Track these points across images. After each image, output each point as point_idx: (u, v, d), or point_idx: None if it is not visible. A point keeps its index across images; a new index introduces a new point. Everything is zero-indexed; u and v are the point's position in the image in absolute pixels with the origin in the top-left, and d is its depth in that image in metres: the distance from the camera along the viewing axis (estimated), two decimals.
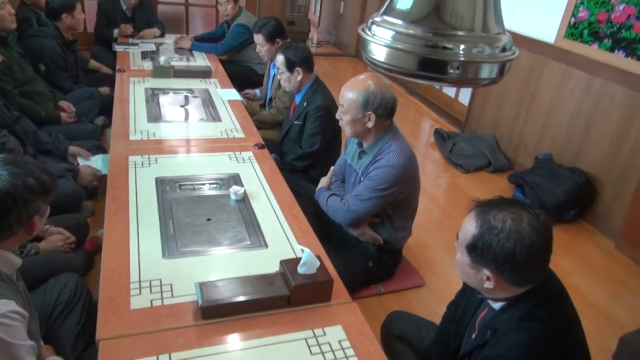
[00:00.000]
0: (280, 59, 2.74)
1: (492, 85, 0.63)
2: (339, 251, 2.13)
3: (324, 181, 2.28)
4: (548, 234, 1.13)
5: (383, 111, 1.90)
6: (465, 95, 4.57)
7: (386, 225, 2.09)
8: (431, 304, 2.28)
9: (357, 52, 6.38)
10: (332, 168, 2.30)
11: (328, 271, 1.57)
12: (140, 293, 1.51)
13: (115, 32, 4.27)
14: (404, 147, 1.95)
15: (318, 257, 1.59)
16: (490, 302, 1.28)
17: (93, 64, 4.02)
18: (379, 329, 1.83)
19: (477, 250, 1.14)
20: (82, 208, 2.48)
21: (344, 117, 1.98)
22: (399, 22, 0.60)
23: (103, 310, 1.44)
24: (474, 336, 1.32)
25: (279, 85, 3.08)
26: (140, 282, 1.56)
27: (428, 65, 0.59)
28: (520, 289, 1.18)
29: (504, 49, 0.63)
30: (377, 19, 0.64)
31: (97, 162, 2.69)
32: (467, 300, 1.44)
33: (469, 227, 1.16)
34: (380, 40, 0.61)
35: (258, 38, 3.32)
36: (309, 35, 6.88)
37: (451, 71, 0.59)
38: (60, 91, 3.28)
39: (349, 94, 1.93)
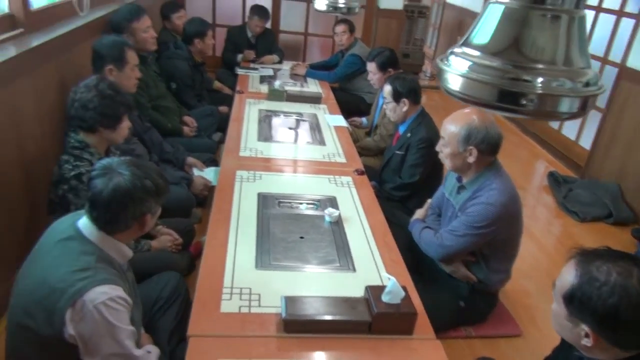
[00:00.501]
0: (387, 89, 2.77)
1: (573, 120, 0.60)
2: (429, 286, 2.07)
3: (419, 213, 2.24)
4: None
5: (486, 147, 1.84)
6: (587, 138, 4.24)
7: (482, 265, 1.99)
8: (526, 357, 2.10)
9: None
10: (429, 200, 2.25)
11: (413, 303, 1.54)
12: (230, 298, 1.60)
13: (239, 57, 4.62)
14: (507, 185, 1.86)
15: (404, 288, 1.57)
16: None
17: (216, 84, 4.38)
18: None
19: (575, 301, 1.05)
20: (191, 214, 2.68)
21: (444, 150, 1.95)
22: (477, 53, 0.60)
23: (197, 309, 1.54)
24: None
25: (386, 114, 3.11)
26: (232, 288, 1.64)
27: (503, 96, 0.57)
28: (626, 352, 1.06)
29: (587, 84, 0.60)
30: (456, 49, 0.65)
31: (209, 173, 2.91)
32: (564, 357, 1.31)
33: (568, 275, 1.08)
34: (456, 70, 0.61)
35: (371, 66, 3.40)
36: (422, 67, 6.88)
37: (524, 102, 0.57)
38: (186, 107, 3.61)
39: (451, 127, 1.90)
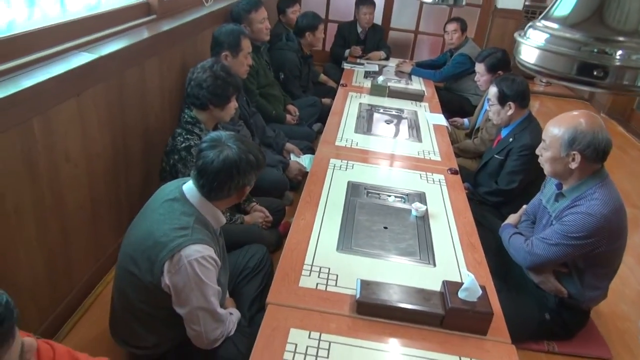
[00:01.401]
0: (493, 90, 2.68)
1: None
2: (514, 294, 2.00)
3: (512, 218, 2.16)
4: None
5: (592, 153, 1.72)
6: None
7: (574, 279, 1.87)
8: None
9: (591, 95, 5.77)
10: (524, 206, 2.16)
11: (490, 304, 1.51)
12: (309, 275, 1.68)
13: (347, 52, 4.72)
14: (612, 196, 1.73)
15: (482, 287, 1.54)
16: None
17: (322, 77, 4.52)
18: None
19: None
20: (284, 196, 2.82)
21: (544, 154, 1.85)
22: (556, 26, 0.59)
23: (277, 280, 1.64)
24: None
25: (489, 117, 3.01)
26: (312, 265, 1.72)
27: (578, 68, 0.56)
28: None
29: None
30: (536, 23, 0.64)
31: (305, 160, 3.04)
32: None
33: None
34: (533, 42, 0.61)
35: (479, 67, 3.30)
36: None
37: (599, 75, 0.55)
38: (291, 97, 3.78)
39: (554, 130, 1.80)
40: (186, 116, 2.07)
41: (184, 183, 1.54)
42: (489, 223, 2.36)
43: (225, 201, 1.54)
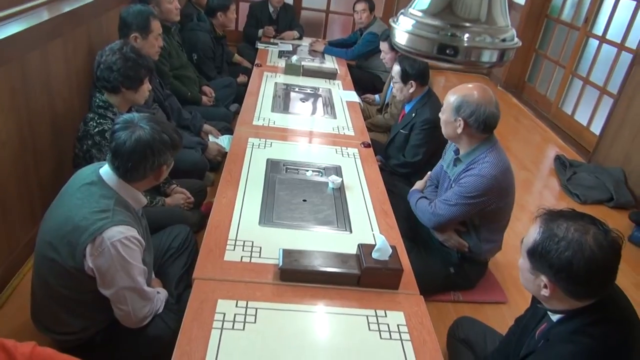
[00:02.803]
0: (396, 69, 2.84)
1: (496, 67, 0.74)
2: (423, 253, 2.21)
3: (418, 184, 2.36)
4: (614, 251, 1.12)
5: (474, 122, 1.93)
6: (598, 124, 4.27)
7: (472, 234, 2.11)
8: (509, 322, 2.22)
9: (489, 71, 6.24)
10: (428, 173, 2.37)
11: (400, 261, 1.67)
12: (234, 249, 1.75)
13: (260, 32, 4.73)
14: (500, 159, 1.96)
15: (393, 247, 1.70)
16: (549, 314, 1.28)
17: (237, 58, 4.51)
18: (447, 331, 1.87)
19: (536, 255, 1.17)
20: (205, 177, 2.85)
21: (441, 117, 2.06)
22: (420, 14, 0.73)
23: (202, 256, 1.70)
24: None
25: None
26: (236, 240, 1.80)
27: (438, 48, 0.70)
28: (579, 302, 1.18)
29: (504, 40, 0.72)
30: (404, 11, 0.77)
31: (223, 140, 3.07)
32: (532, 313, 1.44)
33: (533, 232, 1.20)
34: (403, 27, 0.74)
35: (383, 46, 3.49)
36: None
37: (452, 53, 0.69)
38: (206, 78, 3.76)
39: (450, 96, 2.01)
40: (98, 100, 2.03)
41: (101, 167, 1.54)
42: (400, 191, 2.55)
43: (144, 182, 1.55)
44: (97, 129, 1.95)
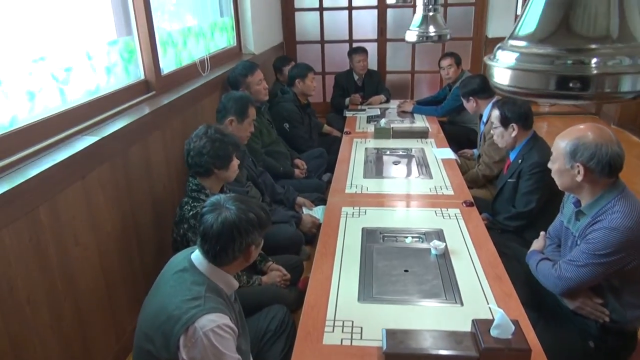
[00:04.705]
0: (495, 114, 2.67)
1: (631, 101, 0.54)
2: (552, 324, 1.89)
3: (536, 244, 2.07)
4: None
5: (596, 165, 1.66)
6: None
7: (611, 299, 1.76)
8: None
9: (598, 109, 5.72)
10: (544, 232, 2.09)
11: (526, 339, 1.42)
12: (333, 331, 1.61)
13: (347, 100, 4.79)
14: (633, 208, 1.65)
15: (515, 322, 1.46)
16: None
17: (326, 128, 4.56)
18: None
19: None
20: (301, 251, 2.78)
21: (552, 167, 1.82)
22: (524, 43, 0.57)
23: (299, 340, 1.58)
24: None
25: (486, 140, 3.01)
26: (334, 320, 1.66)
27: (554, 82, 0.53)
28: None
29: None
30: (502, 44, 0.62)
31: (318, 212, 3.01)
32: None
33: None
34: (503, 63, 0.59)
35: (464, 102, 3.43)
36: None
37: (577, 86, 0.52)
38: (298, 149, 3.81)
39: (559, 142, 1.77)
40: (191, 184, 2.08)
41: (192, 252, 1.52)
42: (514, 252, 2.27)
43: (234, 265, 1.50)
44: (191, 212, 1.97)
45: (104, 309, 1.99)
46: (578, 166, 1.71)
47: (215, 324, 1.36)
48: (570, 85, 0.53)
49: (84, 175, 1.82)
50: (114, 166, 2.04)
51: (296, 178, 3.49)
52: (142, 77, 2.61)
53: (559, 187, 1.86)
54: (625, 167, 1.75)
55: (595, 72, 0.53)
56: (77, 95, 2.07)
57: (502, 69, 0.61)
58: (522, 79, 0.58)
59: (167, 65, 2.87)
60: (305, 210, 3.03)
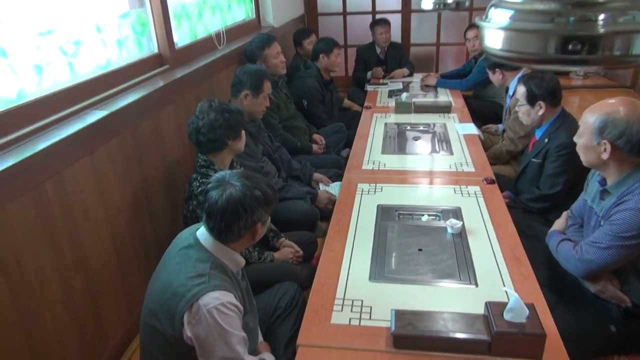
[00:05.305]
0: (521, 90, 2.53)
1: None
2: (572, 307, 1.81)
3: (558, 223, 1.98)
4: None
5: (625, 144, 1.55)
6: None
7: (634, 284, 1.67)
8: None
9: (633, 82, 5.42)
10: (567, 211, 1.98)
11: (541, 324, 1.35)
12: (342, 310, 1.58)
13: (369, 74, 4.66)
14: None
15: (531, 306, 1.39)
16: None
17: (346, 102, 4.47)
18: None
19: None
20: (316, 228, 2.74)
21: (578, 141, 1.72)
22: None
23: (307, 319, 1.55)
24: None
25: (511, 115, 2.88)
26: (344, 299, 1.62)
27: (558, 46, 0.44)
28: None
29: None
30: (496, 0, 0.53)
31: (334, 188, 2.96)
32: None
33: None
34: (496, 23, 0.50)
35: (489, 71, 3.25)
36: None
37: (578, 49, 0.43)
38: (316, 125, 3.74)
39: (588, 116, 1.66)
40: (200, 160, 2.05)
41: (198, 228, 1.49)
42: (536, 232, 2.18)
43: (240, 242, 1.47)
44: (200, 189, 1.94)
45: (116, 284, 2.01)
46: (605, 143, 1.60)
47: (219, 301, 1.34)
48: (572, 47, 0.44)
49: (92, 150, 1.81)
50: (124, 141, 2.02)
51: (314, 153, 3.43)
52: (156, 50, 2.57)
53: (583, 163, 1.76)
54: None
55: (602, 31, 0.44)
56: (88, 69, 2.04)
57: (494, 30, 0.52)
58: (517, 41, 0.49)
59: (182, 38, 2.83)
60: (321, 187, 2.98)
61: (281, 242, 2.29)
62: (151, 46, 2.55)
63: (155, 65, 2.54)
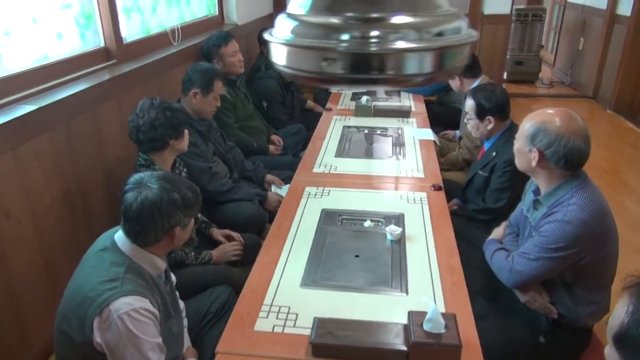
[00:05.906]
0: (469, 103, 2.51)
1: (430, 83, 0.42)
2: (502, 316, 1.82)
3: (496, 232, 1.99)
4: None
5: (552, 155, 1.56)
6: None
7: (563, 295, 1.68)
8: None
9: (595, 92, 5.53)
10: (506, 221, 1.99)
11: (458, 334, 1.34)
12: (267, 317, 1.54)
13: None
14: (590, 200, 1.55)
15: (452, 316, 1.38)
16: None
17: (309, 104, 4.44)
18: None
19: (626, 344, 0.81)
20: (263, 230, 2.70)
21: (515, 144, 1.73)
22: (306, 9, 0.45)
23: (230, 326, 1.51)
24: None
25: None
26: (271, 306, 1.58)
27: (328, 64, 0.41)
28: None
29: (439, 34, 0.41)
30: (286, 10, 0.50)
31: (285, 190, 2.92)
32: None
33: (620, 312, 0.84)
34: (278, 37, 0.47)
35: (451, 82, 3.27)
36: (538, 75, 6.29)
37: (354, 69, 0.41)
38: (275, 126, 3.70)
39: (526, 122, 1.67)
40: (140, 159, 1.99)
41: (117, 231, 1.44)
42: (478, 240, 2.18)
43: (158, 246, 1.43)
44: None
45: (42, 290, 1.93)
46: (534, 151, 1.61)
47: (131, 307, 1.29)
48: (344, 68, 0.41)
49: (14, 146, 1.74)
50: (53, 138, 1.95)
51: (271, 155, 3.39)
52: (102, 44, 2.49)
53: (517, 167, 1.77)
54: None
55: (373, 49, 0.41)
56: (22, 62, 1.96)
57: (276, 45, 0.49)
58: (295, 58, 0.46)
59: (133, 33, 2.76)
60: (273, 188, 2.95)
61: (212, 231, 2.26)
62: (97, 40, 2.48)
63: (101, 59, 2.46)
